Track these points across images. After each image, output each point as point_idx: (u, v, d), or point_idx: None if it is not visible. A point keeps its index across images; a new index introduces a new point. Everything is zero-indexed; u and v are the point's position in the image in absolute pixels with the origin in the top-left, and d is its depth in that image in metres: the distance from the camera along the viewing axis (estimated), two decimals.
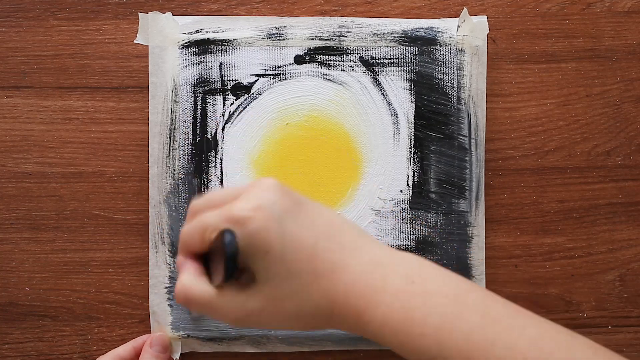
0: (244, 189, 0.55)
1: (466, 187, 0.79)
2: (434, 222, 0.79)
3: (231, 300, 0.54)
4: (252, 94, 0.78)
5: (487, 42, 0.79)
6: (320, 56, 0.78)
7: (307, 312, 0.54)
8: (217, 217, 0.53)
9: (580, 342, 0.52)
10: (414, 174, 0.79)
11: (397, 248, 0.79)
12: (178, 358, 0.79)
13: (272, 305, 0.54)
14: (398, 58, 0.78)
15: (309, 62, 0.78)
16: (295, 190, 0.56)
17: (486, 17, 0.79)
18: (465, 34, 0.78)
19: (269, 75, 0.78)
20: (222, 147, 0.78)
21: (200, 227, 0.55)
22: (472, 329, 0.50)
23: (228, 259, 0.50)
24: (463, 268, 0.79)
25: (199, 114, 0.78)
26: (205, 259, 0.57)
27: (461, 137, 0.79)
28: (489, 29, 0.79)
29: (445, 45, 0.78)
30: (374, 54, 0.78)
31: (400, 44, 0.78)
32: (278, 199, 0.53)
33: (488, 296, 0.53)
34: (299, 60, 0.78)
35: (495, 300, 0.53)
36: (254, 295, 0.54)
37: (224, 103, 0.78)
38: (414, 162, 0.79)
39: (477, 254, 0.79)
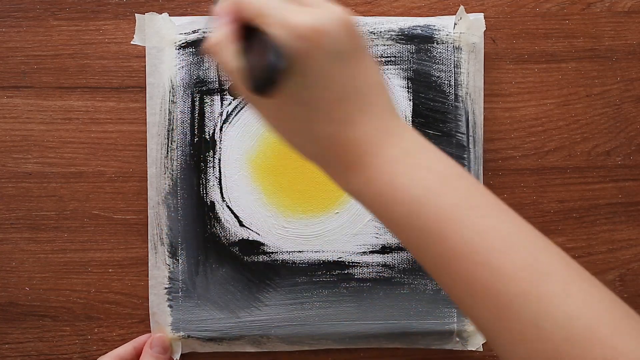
0: None
1: None
2: None
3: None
4: None
5: (485, 41, 0.79)
6: None
7: (312, 139, 0.54)
8: (276, 15, 0.50)
9: (553, 250, 0.51)
10: None
11: (396, 247, 0.79)
12: (178, 358, 0.79)
13: (306, 116, 0.53)
14: (395, 56, 0.78)
15: None
16: (359, 34, 0.53)
17: (482, 14, 0.78)
18: (462, 32, 0.78)
19: None
20: (220, 147, 0.78)
21: (256, 10, 0.52)
22: (448, 209, 0.50)
23: (269, 78, 0.48)
24: None
25: (196, 114, 0.78)
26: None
27: (459, 134, 0.79)
28: (489, 29, 0.79)
29: (442, 43, 0.78)
30: (371, 52, 0.78)
31: (397, 42, 0.78)
32: (342, 37, 0.51)
33: (475, 185, 0.53)
34: None
35: (482, 192, 0.53)
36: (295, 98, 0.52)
37: (221, 103, 0.78)
38: None
39: None
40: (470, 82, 0.79)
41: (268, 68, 0.48)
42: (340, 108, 0.52)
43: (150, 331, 0.80)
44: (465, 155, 0.79)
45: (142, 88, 0.79)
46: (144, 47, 0.78)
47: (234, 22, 0.54)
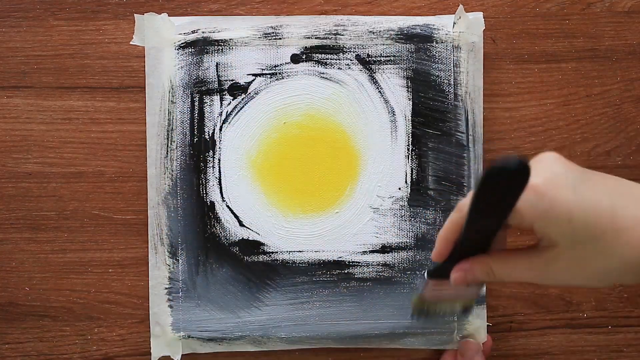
0: None
1: (464, 184, 0.79)
2: (433, 219, 0.79)
3: (527, 263, 0.57)
4: (249, 93, 0.78)
5: (485, 41, 0.79)
6: (317, 55, 0.78)
7: (614, 267, 0.54)
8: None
9: None
10: (412, 171, 0.79)
11: (396, 246, 0.79)
12: (179, 359, 0.79)
13: (577, 266, 0.55)
14: (394, 56, 0.78)
15: (306, 61, 0.78)
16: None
17: (482, 13, 0.78)
18: (462, 31, 0.78)
19: (265, 74, 0.78)
20: (219, 147, 0.78)
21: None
22: None
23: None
24: None
25: (196, 115, 0.78)
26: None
27: (459, 133, 0.79)
28: (489, 29, 0.79)
29: (442, 42, 0.78)
30: (370, 51, 0.78)
31: (396, 42, 0.78)
32: (567, 169, 0.53)
33: None
34: (295, 59, 0.78)
35: None
36: (555, 258, 0.55)
37: (221, 103, 0.78)
38: (412, 160, 0.79)
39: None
40: (470, 81, 0.79)
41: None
42: (621, 215, 0.53)
43: (150, 331, 0.79)
44: (465, 155, 0.79)
45: (142, 88, 0.79)
46: (143, 48, 0.78)
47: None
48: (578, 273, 0.55)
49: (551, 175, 0.52)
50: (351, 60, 0.78)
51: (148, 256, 0.79)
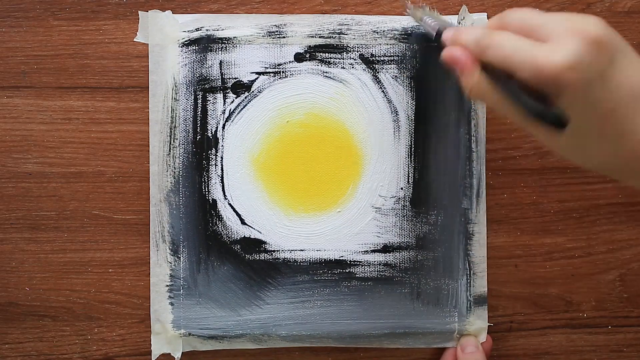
0: (558, 26, 0.52)
1: (467, 185, 0.79)
2: (435, 219, 0.79)
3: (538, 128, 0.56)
4: (253, 91, 0.78)
5: None
6: (321, 54, 0.78)
7: (623, 154, 0.54)
8: (523, 59, 0.52)
9: None
10: (414, 171, 0.79)
11: (398, 246, 0.79)
12: (180, 357, 0.79)
13: (582, 143, 0.55)
14: (398, 55, 0.78)
15: (309, 60, 0.78)
16: (615, 34, 0.53)
17: (486, 14, 0.79)
18: None
19: (269, 73, 0.78)
20: (222, 145, 0.78)
21: (503, 57, 0.54)
22: None
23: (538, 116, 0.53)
24: (464, 265, 0.79)
25: (199, 112, 0.78)
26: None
27: (462, 134, 0.79)
28: None
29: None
30: (374, 51, 0.78)
31: (400, 42, 0.78)
32: (594, 59, 0.50)
33: None
34: (299, 58, 0.78)
35: None
36: (568, 132, 0.54)
37: (224, 101, 0.78)
38: (414, 160, 0.79)
39: (479, 251, 0.80)
40: None
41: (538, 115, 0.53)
42: (624, 119, 0.52)
43: (150, 331, 0.79)
44: (468, 155, 0.79)
45: (142, 88, 0.79)
46: (144, 47, 0.78)
47: (475, 62, 0.58)
48: (587, 150, 0.55)
49: (573, 62, 0.50)
50: (355, 59, 0.78)
51: (148, 256, 0.79)
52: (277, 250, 0.79)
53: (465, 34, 0.59)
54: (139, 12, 0.78)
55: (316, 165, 0.79)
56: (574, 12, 0.78)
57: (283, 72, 0.78)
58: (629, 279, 0.82)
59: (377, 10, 0.80)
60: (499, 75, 0.55)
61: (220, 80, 0.78)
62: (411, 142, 0.79)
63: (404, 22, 0.79)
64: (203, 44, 0.78)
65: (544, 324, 0.82)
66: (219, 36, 0.78)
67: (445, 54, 0.61)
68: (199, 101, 0.78)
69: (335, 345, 0.81)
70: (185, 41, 0.78)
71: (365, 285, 0.80)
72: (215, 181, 0.78)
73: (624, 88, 0.52)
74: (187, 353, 0.80)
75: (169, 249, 0.79)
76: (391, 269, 0.79)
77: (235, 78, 0.78)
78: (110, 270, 0.80)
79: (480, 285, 0.80)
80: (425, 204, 0.79)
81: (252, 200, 0.79)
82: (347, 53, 0.78)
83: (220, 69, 0.78)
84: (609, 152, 0.54)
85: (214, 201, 0.79)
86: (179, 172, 0.78)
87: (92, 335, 0.81)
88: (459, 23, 0.78)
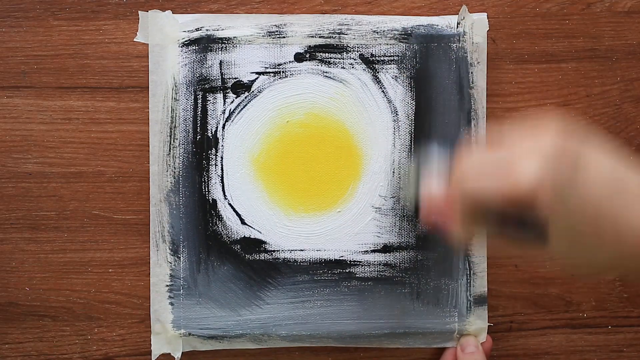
0: (514, 150, 0.54)
1: None
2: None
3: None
4: (253, 91, 0.78)
5: (487, 40, 0.79)
6: (321, 54, 0.78)
7: (599, 261, 0.55)
8: (496, 193, 0.53)
9: None
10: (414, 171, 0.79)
11: (398, 246, 0.79)
12: (179, 357, 0.79)
13: (566, 248, 0.55)
14: (398, 55, 0.78)
15: (309, 60, 0.78)
16: (573, 141, 0.53)
17: (486, 14, 0.79)
18: (465, 31, 0.78)
19: (269, 73, 0.78)
20: (222, 145, 0.78)
21: (472, 198, 0.55)
22: None
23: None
24: (464, 265, 0.79)
25: (199, 112, 0.78)
26: None
27: (462, 134, 0.79)
28: (490, 29, 0.79)
29: (445, 43, 0.78)
30: (374, 51, 0.78)
31: (400, 42, 0.78)
32: (556, 172, 0.51)
33: None
34: (299, 58, 0.78)
35: None
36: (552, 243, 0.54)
37: (224, 101, 0.78)
38: (414, 160, 0.79)
39: (479, 251, 0.79)
40: (473, 81, 0.79)
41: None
42: (604, 220, 0.53)
43: (150, 331, 0.79)
44: None
45: (142, 88, 0.79)
46: (144, 47, 0.78)
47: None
48: (568, 253, 0.56)
49: (538, 179, 0.50)
50: (355, 59, 0.78)
51: (148, 256, 0.79)
52: (277, 250, 0.79)
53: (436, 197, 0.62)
54: (139, 12, 0.78)
55: (316, 165, 0.79)
56: (574, 12, 0.79)
57: (283, 72, 0.78)
58: (629, 279, 0.82)
59: (377, 10, 0.80)
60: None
61: (220, 80, 0.78)
62: (411, 142, 0.79)
63: (404, 22, 0.79)
64: (203, 44, 0.78)
65: (544, 324, 0.82)
66: (219, 36, 0.78)
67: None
68: (199, 101, 0.78)
69: (335, 345, 0.80)
70: (185, 41, 0.78)
71: (365, 285, 0.80)
72: (215, 181, 0.78)
73: (595, 188, 0.52)
74: (187, 353, 0.80)
75: (169, 249, 0.79)
76: (391, 269, 0.79)
77: (235, 78, 0.78)
78: (110, 270, 0.80)
79: (480, 285, 0.80)
80: None
81: (252, 200, 0.79)
82: (347, 53, 0.78)
83: (220, 69, 0.78)
84: (601, 254, 0.55)
85: (214, 201, 0.78)
86: (179, 172, 0.78)
87: (92, 335, 0.81)
88: (459, 23, 0.78)
